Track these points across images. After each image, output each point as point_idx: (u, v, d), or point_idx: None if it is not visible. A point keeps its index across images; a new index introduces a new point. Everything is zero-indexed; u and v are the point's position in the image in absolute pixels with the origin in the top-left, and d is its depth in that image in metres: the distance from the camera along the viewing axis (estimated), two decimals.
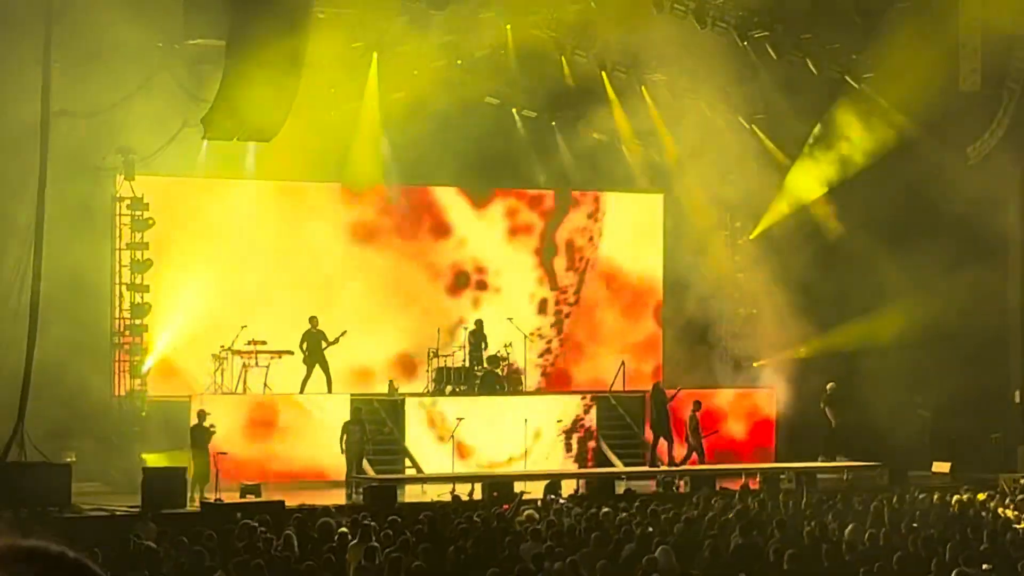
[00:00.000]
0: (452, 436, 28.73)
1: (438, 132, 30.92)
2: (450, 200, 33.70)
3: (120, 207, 29.27)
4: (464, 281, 33.79)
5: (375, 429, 28.75)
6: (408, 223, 33.36)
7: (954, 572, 14.64)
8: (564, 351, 34.70)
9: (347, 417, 27.86)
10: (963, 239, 32.18)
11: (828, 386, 32.90)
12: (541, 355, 34.18)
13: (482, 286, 33.89)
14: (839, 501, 23.10)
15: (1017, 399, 33.82)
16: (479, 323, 31.54)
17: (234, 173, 30.73)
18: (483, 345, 31.33)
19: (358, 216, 32.81)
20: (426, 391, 30.88)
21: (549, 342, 34.51)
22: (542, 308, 34.48)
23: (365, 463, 28.03)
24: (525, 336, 31.72)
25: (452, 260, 33.69)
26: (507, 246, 34.25)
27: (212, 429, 25.77)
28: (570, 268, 35.01)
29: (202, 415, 26.20)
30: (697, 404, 30.84)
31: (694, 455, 30.72)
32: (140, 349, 29.04)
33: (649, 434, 31.15)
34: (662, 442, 30.40)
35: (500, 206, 34.27)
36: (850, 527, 19.13)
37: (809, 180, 34.64)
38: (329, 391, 29.44)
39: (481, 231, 33.92)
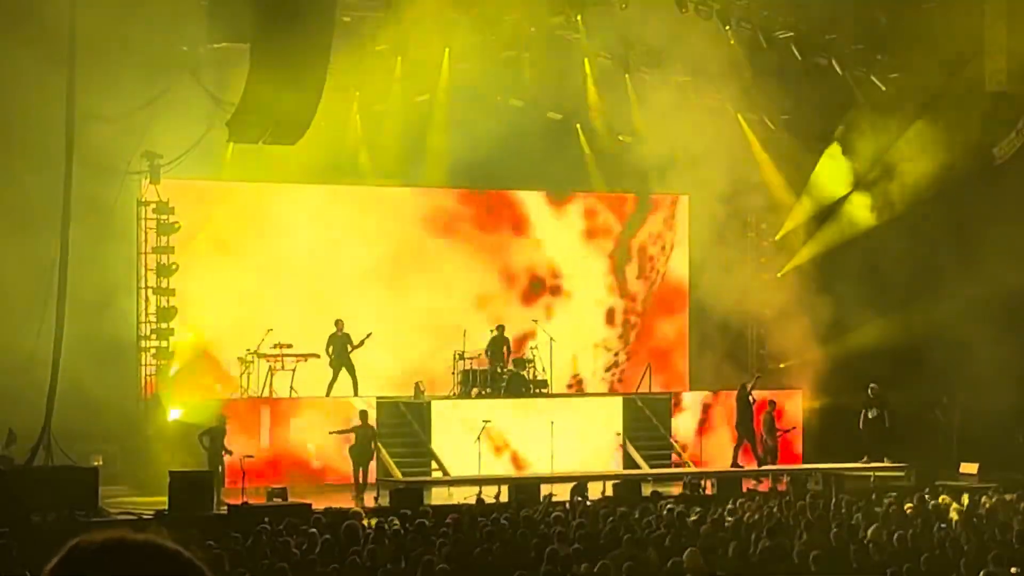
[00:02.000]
0: (478, 439, 28.70)
1: (462, 134, 30.91)
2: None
3: (145, 211, 29.30)
4: (538, 287, 33.85)
5: (393, 425, 28.74)
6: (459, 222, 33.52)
7: (981, 573, 14.55)
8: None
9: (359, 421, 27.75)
10: (988, 240, 31.98)
11: (870, 387, 32.65)
12: (608, 368, 34.56)
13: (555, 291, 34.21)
14: (867, 503, 22.99)
15: None
16: (500, 328, 31.42)
17: (259, 176, 30.73)
18: (505, 350, 31.28)
19: (384, 218, 32.80)
20: (452, 393, 30.85)
21: (616, 354, 34.78)
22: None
23: (392, 465, 28.02)
24: (551, 339, 31.66)
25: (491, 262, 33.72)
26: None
27: (228, 453, 25.67)
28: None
29: (221, 419, 26.22)
30: (772, 403, 31.40)
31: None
32: (166, 353, 29.08)
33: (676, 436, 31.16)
34: (744, 443, 31.13)
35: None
36: (872, 527, 19.08)
37: (834, 180, 34.55)
38: (356, 394, 29.45)
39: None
